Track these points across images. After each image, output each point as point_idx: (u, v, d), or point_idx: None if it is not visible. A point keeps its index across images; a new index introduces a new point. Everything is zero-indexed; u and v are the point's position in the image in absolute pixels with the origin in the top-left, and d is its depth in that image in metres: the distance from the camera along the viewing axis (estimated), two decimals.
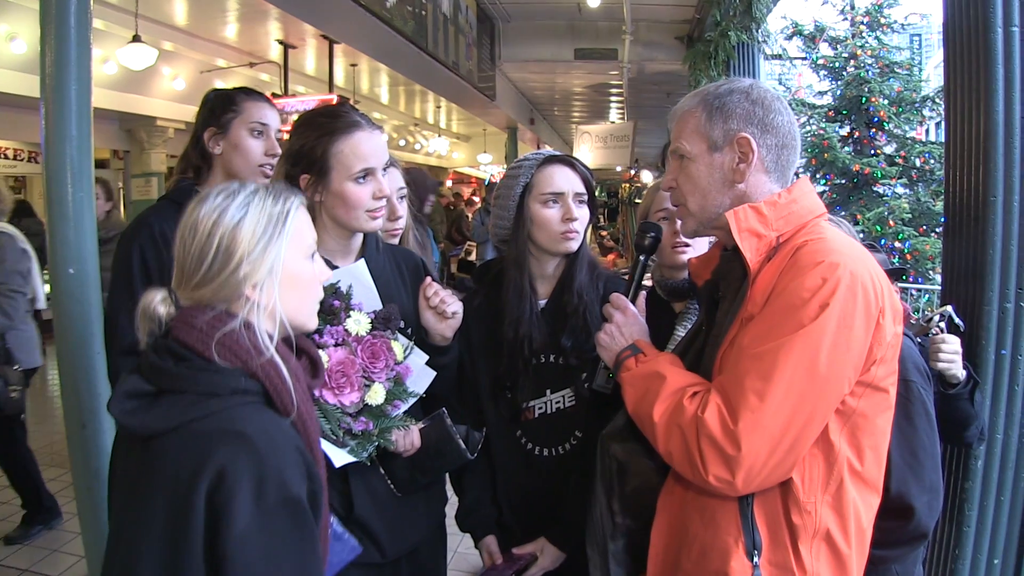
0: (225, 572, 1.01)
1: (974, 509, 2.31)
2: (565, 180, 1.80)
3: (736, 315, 1.28)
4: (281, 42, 8.53)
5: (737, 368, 1.20)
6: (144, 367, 1.14)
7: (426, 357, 1.66)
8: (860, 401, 1.23)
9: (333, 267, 1.65)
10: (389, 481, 1.69)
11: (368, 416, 1.54)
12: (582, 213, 1.80)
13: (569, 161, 1.84)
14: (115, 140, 9.56)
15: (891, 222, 8.61)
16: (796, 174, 1.41)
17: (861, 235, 8.62)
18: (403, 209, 2.36)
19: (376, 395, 1.53)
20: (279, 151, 2.11)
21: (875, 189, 9.67)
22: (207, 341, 1.10)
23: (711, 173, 1.35)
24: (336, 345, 1.52)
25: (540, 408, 1.84)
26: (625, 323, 1.45)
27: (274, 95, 8.69)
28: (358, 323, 1.55)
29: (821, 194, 10.17)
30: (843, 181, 9.80)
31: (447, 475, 1.90)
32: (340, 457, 1.48)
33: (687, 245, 1.87)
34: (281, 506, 1.04)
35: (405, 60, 8.12)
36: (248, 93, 2.20)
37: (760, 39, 5.77)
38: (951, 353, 2.02)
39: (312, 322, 1.26)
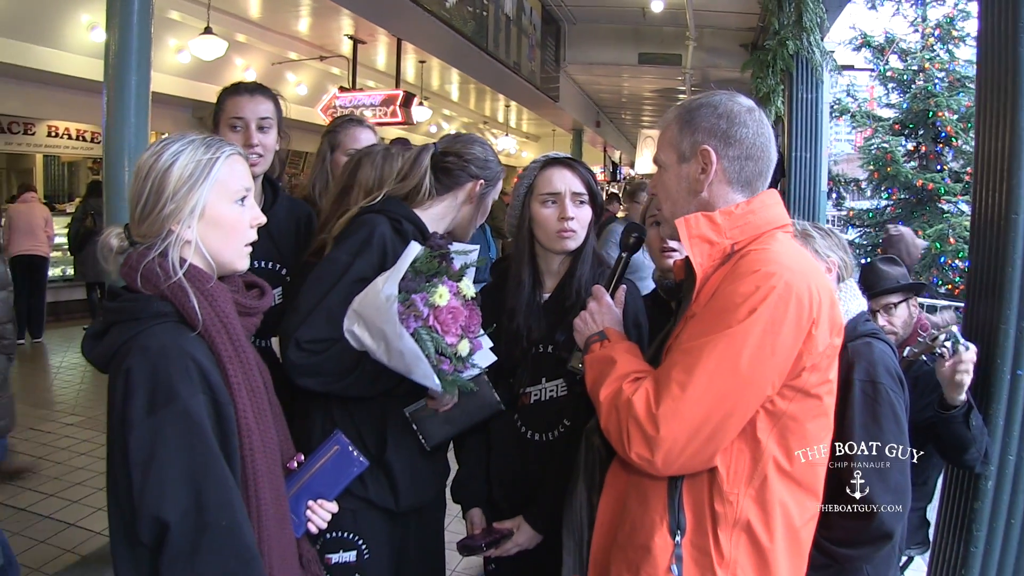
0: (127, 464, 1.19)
1: (983, 530, 2.27)
2: (562, 181, 1.91)
3: (684, 314, 1.36)
4: (351, 37, 8.76)
5: (669, 359, 1.29)
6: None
7: (491, 343, 1.80)
8: (790, 404, 1.28)
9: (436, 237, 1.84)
10: (420, 436, 1.82)
11: (453, 363, 1.69)
12: (580, 212, 1.90)
13: (569, 163, 1.95)
14: (187, 127, 9.78)
15: (951, 239, 8.33)
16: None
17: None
18: None
19: (463, 348, 1.69)
20: (256, 142, 2.19)
21: (939, 205, 9.37)
22: (133, 275, 1.31)
23: (679, 183, 1.42)
24: (452, 295, 1.69)
25: (536, 395, 1.94)
26: (599, 311, 1.55)
27: (342, 89, 8.97)
28: (468, 288, 1.72)
29: (884, 208, 10.00)
30: (907, 196, 9.54)
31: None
32: (434, 380, 1.63)
33: (674, 250, 1.93)
34: (170, 412, 1.20)
35: (467, 59, 8.27)
36: (230, 89, 2.28)
37: (810, 51, 5.61)
38: (965, 368, 1.98)
39: (240, 263, 1.42)
